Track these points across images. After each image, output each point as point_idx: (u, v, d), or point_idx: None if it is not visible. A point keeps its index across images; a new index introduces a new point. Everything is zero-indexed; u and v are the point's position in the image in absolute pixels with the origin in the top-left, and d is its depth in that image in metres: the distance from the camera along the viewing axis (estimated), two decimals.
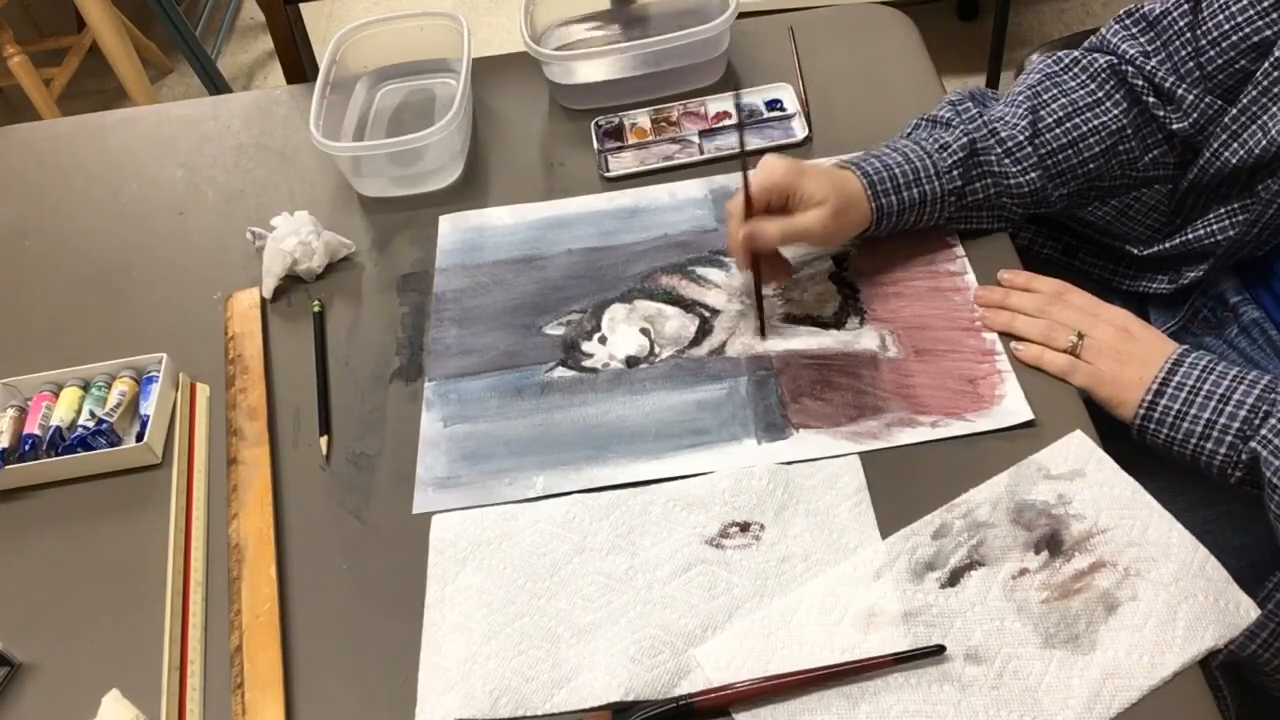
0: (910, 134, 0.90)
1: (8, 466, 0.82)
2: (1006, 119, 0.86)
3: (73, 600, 0.76)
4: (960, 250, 0.89)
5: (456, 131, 0.99)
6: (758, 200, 0.82)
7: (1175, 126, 0.86)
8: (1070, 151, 0.86)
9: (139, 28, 2.46)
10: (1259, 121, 0.80)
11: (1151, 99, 0.86)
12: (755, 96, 1.07)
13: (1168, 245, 0.90)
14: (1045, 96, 0.87)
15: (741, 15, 1.05)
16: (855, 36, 1.13)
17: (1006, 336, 0.82)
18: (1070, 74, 0.88)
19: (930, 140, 0.87)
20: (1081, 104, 0.86)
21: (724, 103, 1.07)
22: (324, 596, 0.74)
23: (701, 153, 1.02)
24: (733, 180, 0.99)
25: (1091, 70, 0.88)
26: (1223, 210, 0.86)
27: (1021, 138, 0.85)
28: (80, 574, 0.78)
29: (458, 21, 1.09)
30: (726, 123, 1.05)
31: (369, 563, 0.76)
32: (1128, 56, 0.86)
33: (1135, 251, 0.93)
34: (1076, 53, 0.89)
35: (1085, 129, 0.86)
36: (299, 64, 1.38)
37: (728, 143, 1.03)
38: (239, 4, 2.82)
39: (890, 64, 1.09)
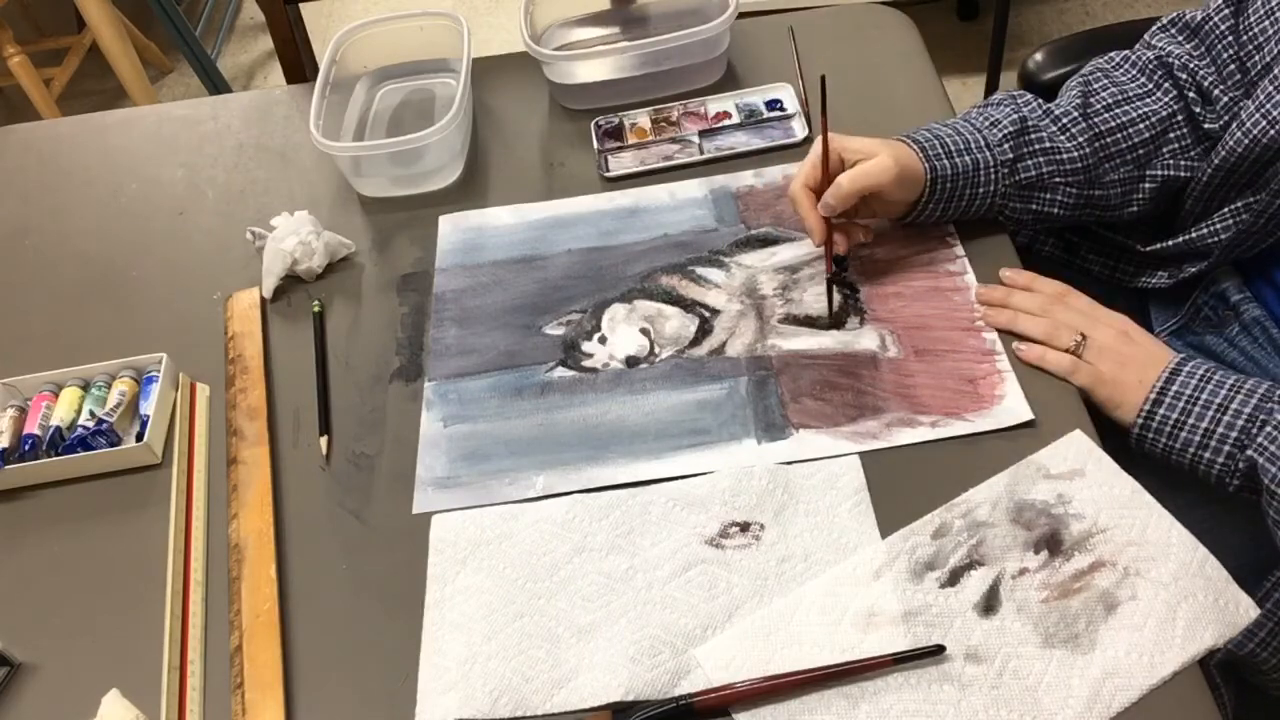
0: (961, 116, 0.91)
1: (8, 466, 0.82)
2: (1059, 101, 0.88)
3: (73, 600, 0.76)
4: (960, 250, 0.89)
5: (456, 131, 0.99)
6: (813, 173, 0.84)
7: (1207, 127, 0.87)
8: (1120, 135, 0.87)
9: (139, 28, 2.46)
10: (1263, 110, 0.80)
11: (1192, 94, 0.87)
12: (755, 97, 1.07)
13: (1170, 243, 0.90)
14: (1095, 85, 0.89)
15: (741, 15, 1.05)
16: (855, 36, 1.13)
17: (1007, 336, 0.82)
18: (1120, 70, 0.90)
19: (980, 118, 0.88)
20: (1132, 93, 0.88)
21: (724, 103, 1.07)
22: (324, 596, 0.74)
23: (701, 153, 1.02)
24: (732, 180, 0.99)
25: (1140, 64, 0.89)
26: (1226, 210, 0.86)
27: (1075, 113, 0.86)
28: (80, 574, 0.78)
29: (458, 21, 1.09)
30: (726, 123, 1.05)
31: (369, 563, 0.76)
32: (1174, 55, 0.88)
33: (1138, 247, 0.93)
34: (1126, 52, 0.91)
35: (1135, 114, 0.87)
36: (299, 64, 1.38)
37: (727, 143, 1.03)
38: (239, 4, 2.82)
39: (890, 64, 1.09)
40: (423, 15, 1.11)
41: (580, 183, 1.02)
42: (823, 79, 0.85)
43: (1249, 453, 0.71)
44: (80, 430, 0.83)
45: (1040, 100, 0.88)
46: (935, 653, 0.65)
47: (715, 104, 1.07)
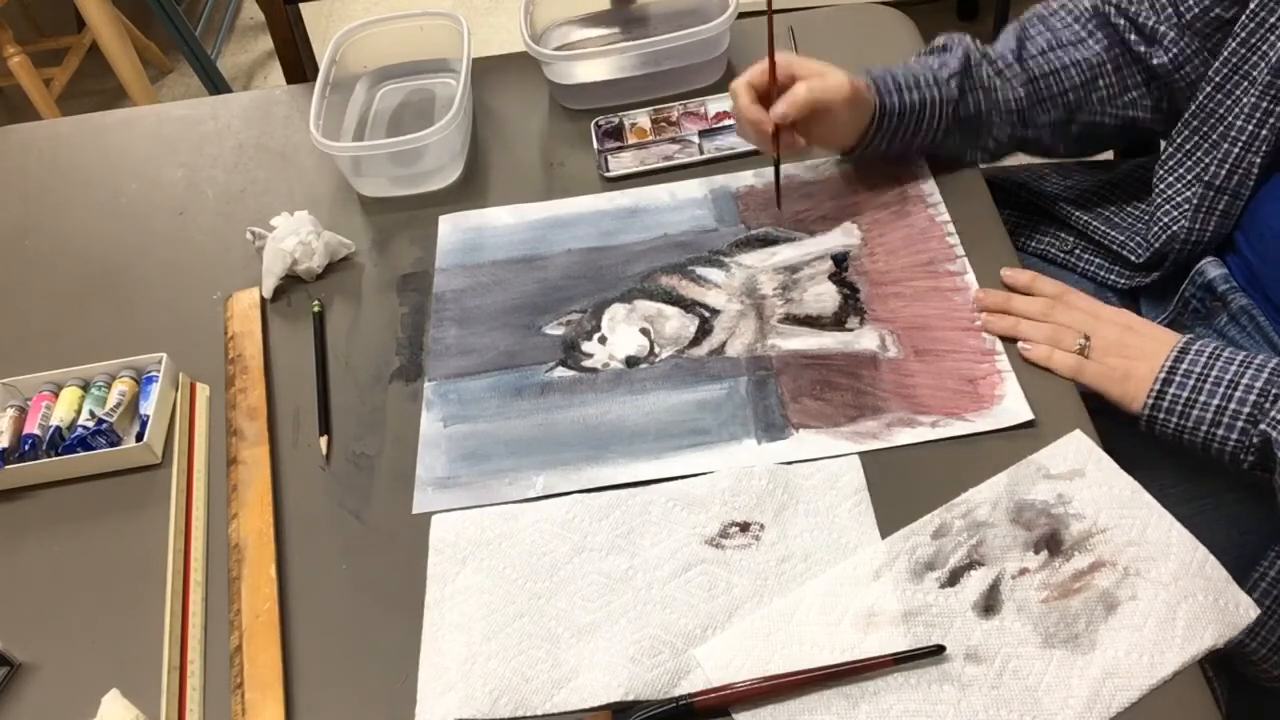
0: (909, 62, 0.94)
1: (8, 466, 0.82)
2: (996, 45, 0.93)
3: (73, 600, 0.76)
4: (960, 250, 0.89)
5: (456, 131, 0.99)
6: (761, 77, 0.86)
7: (1155, 62, 0.89)
8: (1052, 79, 0.91)
9: (139, 28, 2.46)
10: (1241, 71, 0.82)
11: (1133, 36, 0.90)
12: None
13: (1153, 250, 0.91)
14: (1031, 31, 0.93)
15: (741, 15, 1.05)
16: (855, 36, 1.13)
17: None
18: (1056, 16, 0.94)
19: (929, 59, 0.92)
20: (1064, 39, 0.92)
21: (724, 102, 1.07)
22: (324, 596, 0.74)
23: (701, 153, 1.02)
24: (732, 180, 0.99)
25: (1075, 12, 0.93)
26: (1182, 185, 0.89)
27: (1011, 58, 0.91)
28: (80, 574, 0.78)
29: (458, 21, 1.09)
30: (726, 122, 1.05)
31: (369, 563, 0.76)
32: (1112, 1, 0.91)
33: (1132, 258, 0.94)
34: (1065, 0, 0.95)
35: (1066, 60, 0.91)
36: (299, 64, 1.38)
37: (727, 143, 1.03)
38: (239, 4, 2.82)
39: (890, 64, 1.09)
40: (423, 15, 1.11)
41: (580, 183, 1.02)
42: None
43: (1262, 427, 0.71)
44: (80, 430, 0.83)
45: (980, 43, 0.92)
46: (935, 653, 0.65)
47: (715, 104, 1.07)
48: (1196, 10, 0.85)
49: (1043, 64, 0.91)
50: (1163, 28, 0.88)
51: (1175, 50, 0.87)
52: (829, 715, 0.64)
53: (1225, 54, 0.82)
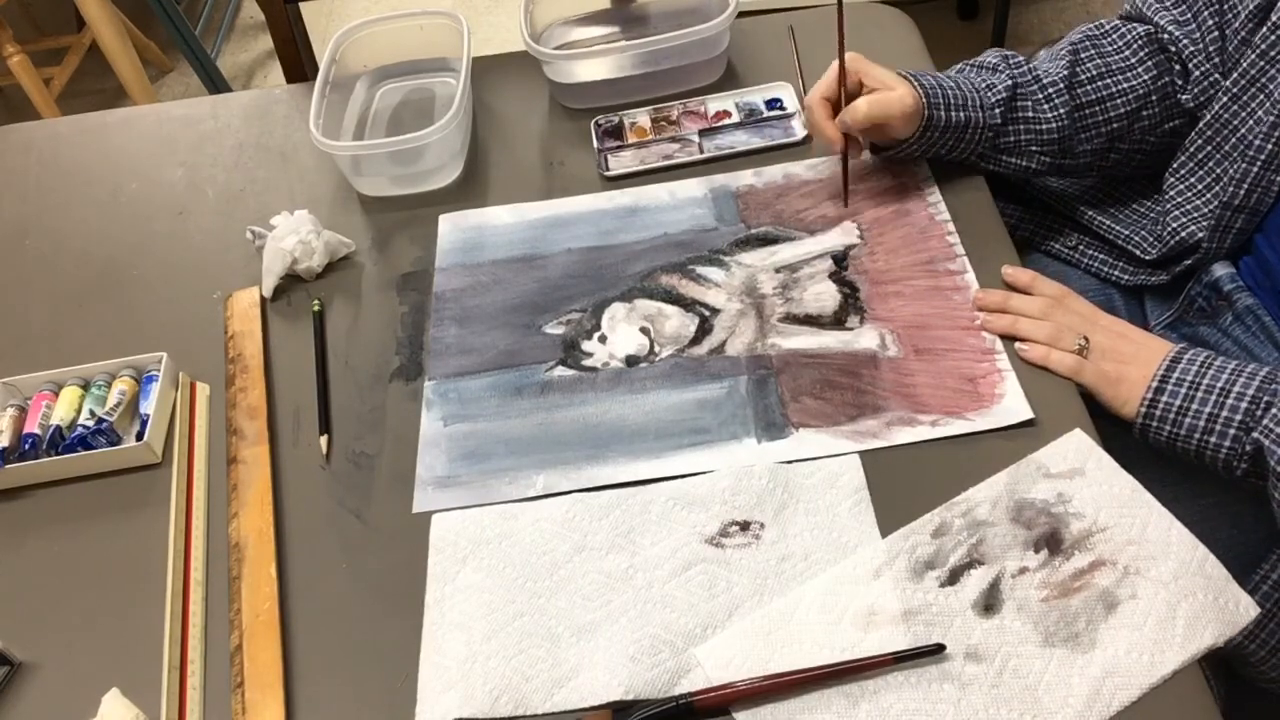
0: (956, 72, 0.94)
1: (8, 466, 0.82)
2: (1049, 66, 0.91)
3: (73, 600, 0.76)
4: (960, 249, 0.89)
5: (456, 131, 0.99)
6: (831, 86, 0.90)
7: (1183, 97, 0.89)
8: (1098, 108, 0.91)
9: (139, 27, 2.46)
10: (1258, 85, 0.82)
11: (1177, 67, 0.90)
12: (755, 96, 1.07)
13: (1165, 249, 0.91)
14: (1083, 55, 0.91)
15: (741, 15, 1.05)
16: (855, 36, 1.12)
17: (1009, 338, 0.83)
18: (1108, 39, 0.93)
19: (977, 78, 0.91)
20: (1115, 66, 0.91)
21: (724, 102, 1.07)
22: (324, 596, 0.74)
23: (701, 152, 1.02)
24: (732, 179, 0.99)
25: (1129, 38, 0.92)
26: (1200, 203, 0.88)
27: (1061, 84, 0.90)
28: (80, 574, 0.78)
29: (458, 21, 1.09)
30: (726, 122, 1.05)
31: (369, 562, 0.76)
32: (1163, 27, 0.90)
33: (1138, 254, 0.94)
34: (1116, 20, 0.94)
35: (1115, 89, 0.90)
36: (299, 63, 1.38)
37: (727, 142, 1.03)
38: (239, 3, 2.82)
39: (890, 64, 1.08)
40: (423, 14, 1.11)
41: (580, 182, 1.02)
42: (840, 1, 0.89)
43: (1255, 435, 0.71)
44: (80, 429, 0.83)
45: (1030, 65, 0.91)
46: (935, 652, 0.65)
47: (715, 103, 1.07)
48: (1244, 34, 0.84)
49: (1090, 92, 0.90)
50: (1194, 62, 0.88)
51: (1197, 90, 0.88)
52: (829, 714, 0.64)
53: (1244, 65, 0.82)
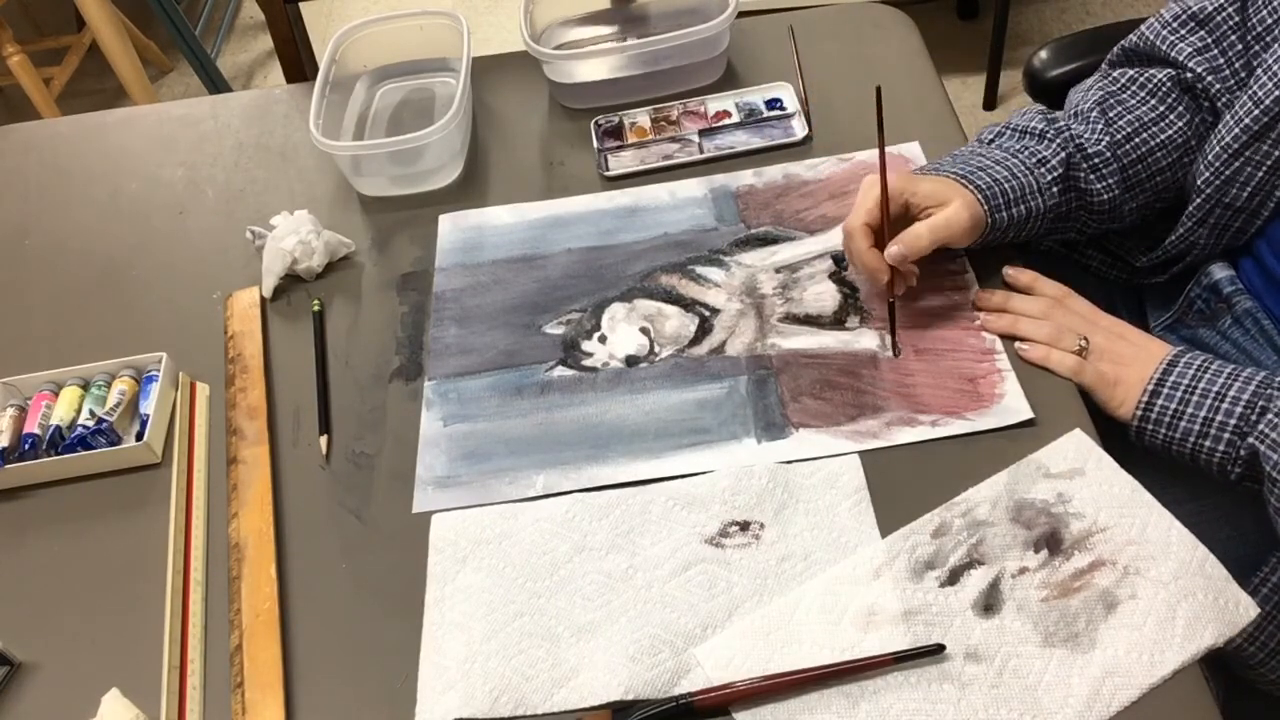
0: (995, 140, 0.89)
1: (8, 466, 0.82)
2: (1088, 134, 0.86)
3: (73, 600, 0.76)
4: (960, 250, 0.89)
5: (456, 131, 0.99)
6: (874, 211, 0.80)
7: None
8: (1141, 165, 0.87)
9: (139, 27, 2.46)
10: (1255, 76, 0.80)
11: (1206, 103, 0.87)
12: (755, 96, 1.07)
13: (1159, 254, 0.91)
14: (1112, 114, 0.87)
15: (741, 14, 1.05)
16: (855, 36, 1.13)
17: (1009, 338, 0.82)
18: (1129, 92, 0.88)
19: (1026, 154, 0.85)
20: (1147, 119, 0.87)
21: (724, 102, 1.07)
22: (324, 596, 0.74)
23: (701, 152, 1.02)
24: (732, 179, 0.99)
25: (1150, 86, 0.88)
26: (1202, 214, 0.87)
27: (1107, 153, 0.85)
28: (80, 574, 0.78)
29: (457, 21, 1.09)
30: (726, 122, 1.05)
31: (369, 562, 0.76)
32: (1186, 65, 0.86)
33: (1139, 256, 0.94)
34: (1131, 71, 0.89)
35: (1154, 143, 0.86)
36: (299, 63, 1.38)
37: (727, 142, 1.03)
38: (239, 3, 2.82)
39: (890, 63, 1.09)
40: (422, 14, 1.11)
41: (580, 182, 1.02)
42: (878, 93, 0.80)
43: (1250, 440, 0.71)
44: (80, 429, 0.83)
45: (1073, 132, 0.86)
46: (935, 652, 0.65)
47: (715, 103, 1.07)
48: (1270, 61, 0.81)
49: (1130, 151, 0.86)
50: (1222, 102, 0.85)
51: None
52: (829, 714, 0.64)
53: (1255, 88, 0.80)
